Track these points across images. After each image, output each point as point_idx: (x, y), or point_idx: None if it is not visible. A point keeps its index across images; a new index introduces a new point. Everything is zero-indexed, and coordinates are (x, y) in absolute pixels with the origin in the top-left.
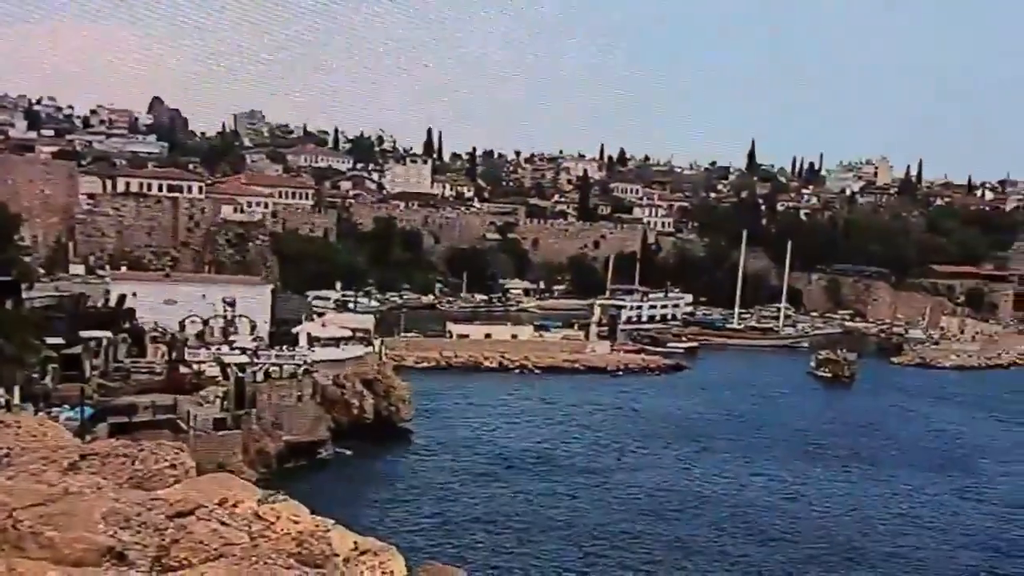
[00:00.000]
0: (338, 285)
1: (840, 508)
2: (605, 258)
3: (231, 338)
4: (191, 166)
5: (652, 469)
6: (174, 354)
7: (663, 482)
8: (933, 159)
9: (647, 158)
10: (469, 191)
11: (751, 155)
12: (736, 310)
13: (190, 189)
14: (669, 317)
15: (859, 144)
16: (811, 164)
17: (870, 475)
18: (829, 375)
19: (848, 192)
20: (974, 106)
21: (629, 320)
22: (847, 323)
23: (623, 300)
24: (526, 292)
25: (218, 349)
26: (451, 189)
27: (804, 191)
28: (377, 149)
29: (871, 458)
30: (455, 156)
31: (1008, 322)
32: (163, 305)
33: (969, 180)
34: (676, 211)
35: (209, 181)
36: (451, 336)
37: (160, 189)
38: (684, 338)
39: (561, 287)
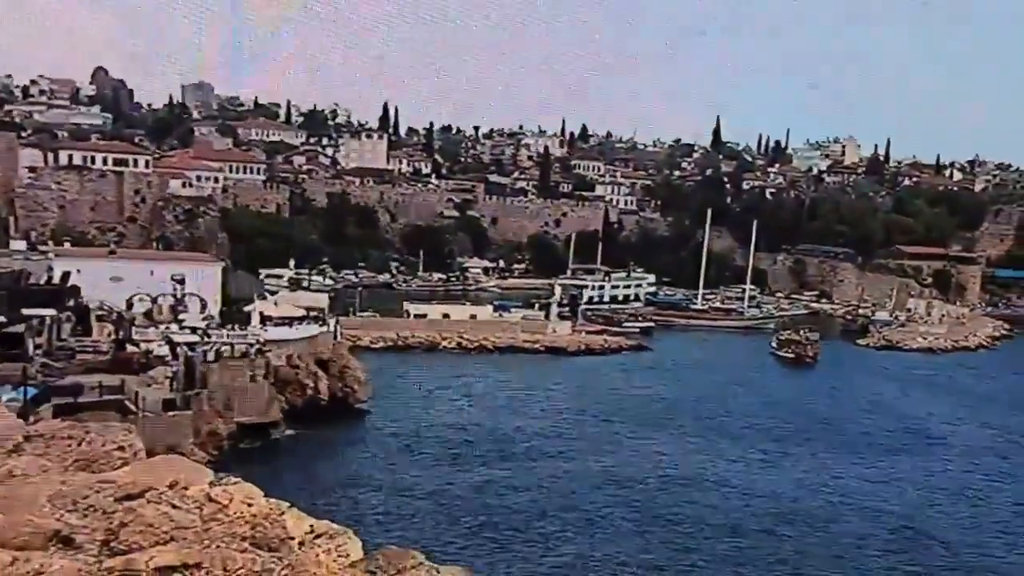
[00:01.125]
0: (291, 263)
1: (789, 490)
2: (566, 237)
3: (180, 317)
4: (137, 139)
5: (612, 451)
6: (121, 333)
7: (623, 464)
8: (901, 139)
9: (609, 135)
10: (426, 167)
11: (716, 132)
12: (700, 291)
13: (136, 163)
14: (632, 297)
15: (826, 123)
16: (777, 142)
17: (827, 457)
18: (791, 356)
19: (815, 171)
20: (943, 85)
21: (591, 300)
22: (812, 304)
23: (584, 280)
24: (485, 271)
25: (167, 328)
26: (408, 165)
27: (770, 170)
28: (331, 123)
29: (829, 440)
30: (412, 131)
31: (975, 304)
32: (109, 283)
33: (938, 160)
34: (639, 189)
35: (156, 155)
36: (408, 316)
37: (105, 162)
38: (640, 318)
39: (521, 266)
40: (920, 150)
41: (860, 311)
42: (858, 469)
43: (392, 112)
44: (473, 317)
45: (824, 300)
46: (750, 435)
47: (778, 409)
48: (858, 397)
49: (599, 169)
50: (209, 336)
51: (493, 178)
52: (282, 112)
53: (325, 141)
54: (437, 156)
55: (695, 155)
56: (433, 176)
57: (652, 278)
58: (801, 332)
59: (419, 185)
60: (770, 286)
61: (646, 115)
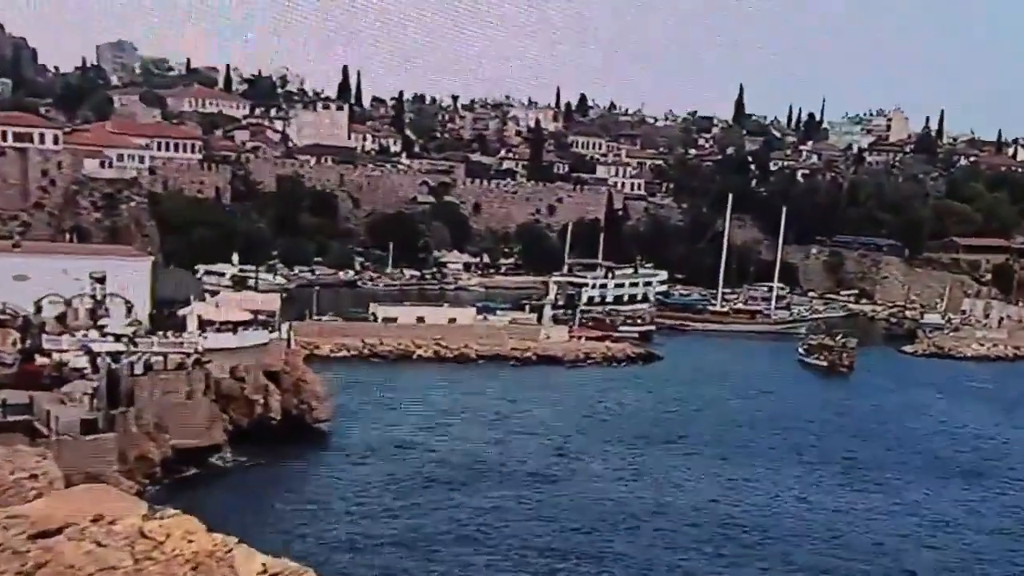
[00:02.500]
0: (235, 258)
1: (828, 521)
2: (562, 226)
3: (101, 322)
4: (43, 110)
5: (612, 478)
6: (28, 342)
7: (624, 493)
8: (956, 111)
9: (613, 106)
10: (395, 144)
11: (739, 104)
12: (719, 290)
13: (42, 138)
14: (639, 298)
15: (868, 92)
16: (811, 115)
17: (868, 484)
18: (824, 364)
19: (855, 149)
20: (1005, 48)
21: (591, 301)
22: (851, 306)
23: (584, 277)
24: (466, 267)
25: (85, 335)
26: (373, 142)
27: (802, 148)
28: (280, 91)
29: (870, 464)
30: (377, 101)
31: None
32: (12, 282)
33: (999, 136)
34: (648, 170)
35: (67, 129)
36: (375, 320)
37: (4, 138)
38: (640, 321)
39: (509, 261)
40: (979, 124)
41: (907, 313)
42: (915, 496)
43: (353, 79)
44: (452, 321)
45: (864, 300)
46: (780, 456)
47: (810, 427)
48: (905, 412)
49: (600, 147)
50: (136, 345)
51: (475, 157)
52: (220, 78)
53: (273, 113)
54: (408, 131)
55: (714, 130)
56: (403, 155)
57: (663, 275)
58: (835, 336)
59: (387, 166)
60: (801, 284)
61: (656, 83)
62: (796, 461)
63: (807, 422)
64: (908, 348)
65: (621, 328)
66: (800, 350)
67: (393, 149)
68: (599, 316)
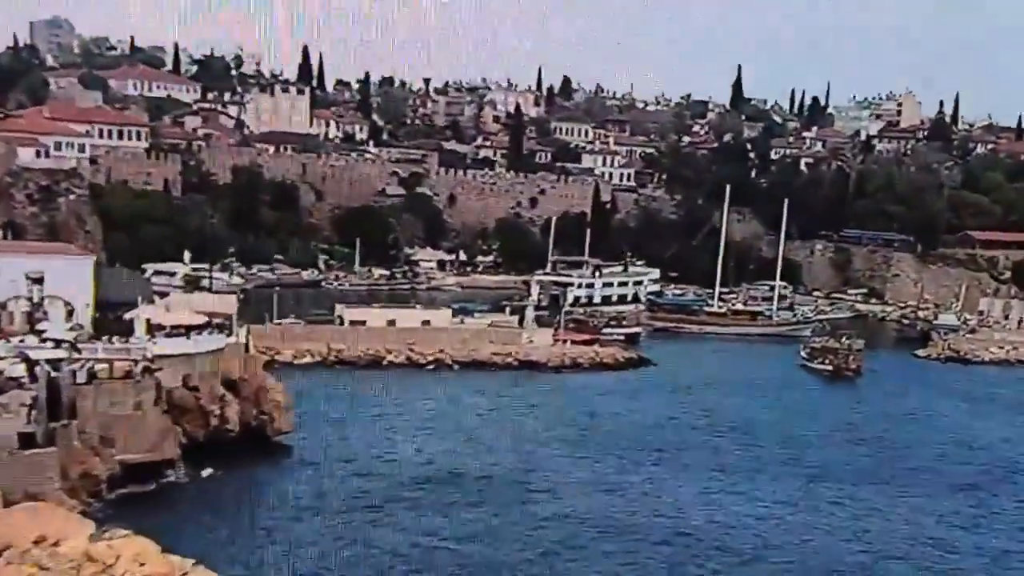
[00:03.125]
0: (186, 256)
1: (826, 544)
2: (545, 221)
3: (39, 327)
4: None
5: (600, 492)
6: None
7: (614, 509)
8: (973, 94)
9: (600, 89)
10: (362, 131)
11: (737, 87)
12: (716, 289)
13: None
14: (629, 298)
15: (877, 74)
16: (815, 99)
17: (876, 497)
18: (828, 368)
19: (863, 136)
20: None
21: (577, 301)
22: (859, 306)
23: (569, 276)
24: (441, 265)
25: (21, 341)
26: (337, 128)
27: (806, 134)
28: (234, 73)
29: (879, 475)
30: (342, 85)
31: None
32: None
33: (1019, 122)
34: (638, 159)
35: None
36: (342, 323)
37: None
38: (624, 322)
39: (487, 259)
40: (997, 109)
41: (919, 314)
42: (919, 516)
43: (315, 59)
44: (426, 324)
45: (874, 300)
46: (784, 471)
47: (813, 436)
48: (915, 421)
49: (586, 133)
50: (79, 351)
51: (449, 145)
52: (168, 58)
53: (227, 97)
54: (376, 117)
55: (710, 116)
56: (371, 143)
57: (655, 273)
58: (840, 339)
59: (353, 155)
60: (806, 283)
61: (646, 64)
62: (795, 474)
63: (810, 431)
64: (921, 352)
65: (604, 330)
66: (802, 354)
67: (359, 137)
68: (580, 317)
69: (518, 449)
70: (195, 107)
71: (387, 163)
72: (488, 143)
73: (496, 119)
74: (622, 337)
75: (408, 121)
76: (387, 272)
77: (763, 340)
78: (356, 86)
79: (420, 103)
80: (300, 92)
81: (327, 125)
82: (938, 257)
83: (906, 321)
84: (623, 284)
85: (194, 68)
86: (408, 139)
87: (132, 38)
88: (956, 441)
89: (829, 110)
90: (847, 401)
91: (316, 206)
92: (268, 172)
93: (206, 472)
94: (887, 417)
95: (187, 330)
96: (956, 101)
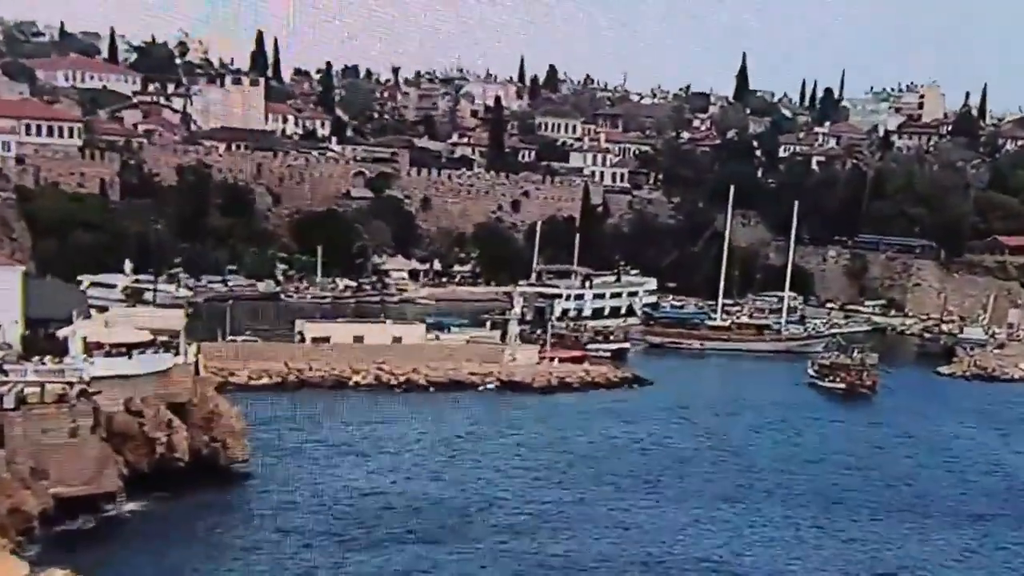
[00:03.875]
0: (127, 266)
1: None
2: (529, 225)
3: None
4: None
5: (592, 527)
6: None
7: (607, 545)
8: (1002, 85)
9: (589, 80)
10: (323, 127)
11: (741, 77)
12: (719, 300)
13: None
14: (623, 311)
15: (897, 63)
16: (827, 91)
17: (893, 531)
18: (840, 386)
19: (881, 131)
20: None
21: (565, 315)
22: (877, 318)
23: (556, 287)
24: (413, 275)
25: None
26: (296, 124)
27: (818, 130)
28: (179, 62)
29: (895, 505)
30: (300, 75)
31: None
32: None
33: None
34: (632, 158)
35: None
36: (303, 340)
37: None
38: (611, 336)
39: (465, 268)
40: None
41: (943, 327)
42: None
43: (270, 46)
44: (397, 341)
45: (893, 312)
46: (794, 500)
47: (829, 463)
48: (940, 445)
49: (575, 129)
50: (6, 373)
51: (422, 143)
52: (104, 45)
53: (171, 89)
54: (339, 111)
55: (712, 109)
56: (334, 140)
57: (652, 283)
58: (853, 354)
59: (314, 153)
60: (818, 293)
61: (641, 53)
62: (804, 505)
63: (819, 456)
64: (945, 369)
65: (589, 346)
66: (810, 371)
67: (321, 133)
68: (563, 332)
69: (499, 479)
70: (135, 100)
71: (352, 162)
72: (465, 140)
73: (474, 113)
74: (608, 354)
75: (375, 115)
76: (353, 283)
77: (771, 357)
78: (316, 76)
79: (388, 95)
80: (254, 83)
81: (284, 120)
82: (963, 265)
83: (928, 335)
84: (616, 296)
85: (133, 56)
86: (376, 136)
87: (62, 23)
88: (983, 468)
89: (843, 103)
90: (861, 423)
91: (273, 210)
92: (218, 173)
93: (150, 508)
94: (906, 441)
95: (129, 349)
96: (983, 93)
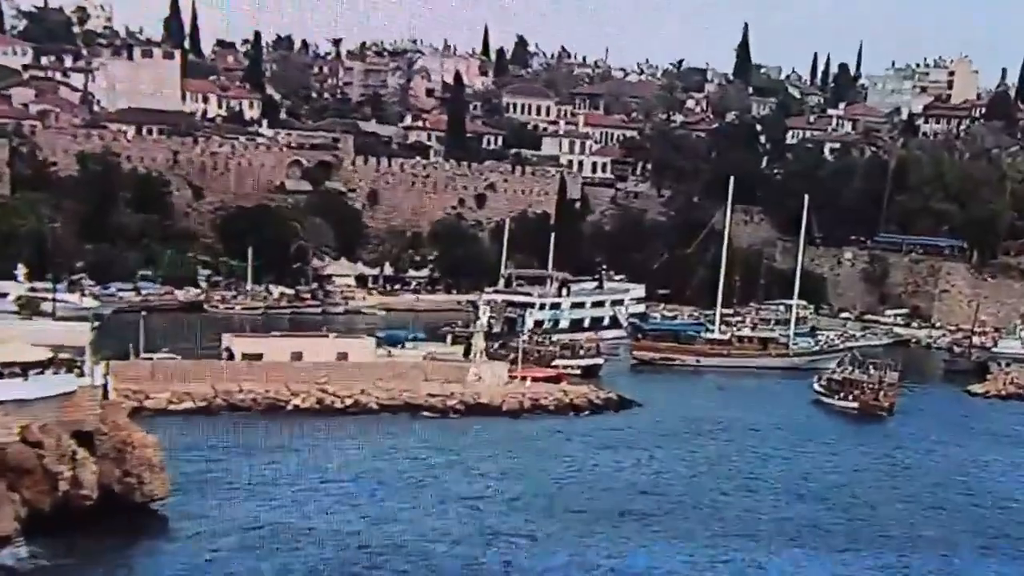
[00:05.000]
0: (19, 271)
1: None
2: (496, 223)
3: None
4: None
5: (571, 573)
6: None
7: None
8: None
9: (564, 53)
10: (252, 108)
11: (743, 50)
12: (718, 310)
13: None
14: (606, 322)
15: (922, 35)
16: (842, 67)
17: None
18: (853, 406)
19: (904, 114)
20: None
21: (540, 326)
22: (899, 329)
23: (528, 294)
24: (360, 282)
25: None
26: (220, 104)
27: (831, 112)
28: (78, 31)
29: (937, 543)
30: (224, 47)
31: None
32: None
33: None
34: (616, 145)
35: None
36: (231, 357)
37: None
38: (581, 351)
39: (421, 274)
40: None
41: (975, 339)
42: None
43: (187, 13)
44: (343, 358)
45: (918, 323)
46: (806, 539)
47: (843, 496)
48: (970, 476)
49: (548, 111)
50: None
51: (368, 126)
52: None
53: (69, 62)
54: (270, 89)
55: (709, 88)
56: (264, 123)
57: (639, 290)
58: (868, 368)
59: (241, 139)
60: (831, 302)
61: (625, 21)
62: (814, 545)
63: (831, 487)
64: (977, 387)
65: (555, 362)
66: (816, 387)
67: (249, 115)
68: (525, 346)
69: (462, 518)
70: (26, 76)
71: (287, 150)
72: (420, 123)
73: (430, 92)
74: (578, 370)
75: (313, 95)
76: (290, 291)
77: (777, 374)
78: (243, 48)
79: (328, 71)
80: (168, 56)
81: (205, 100)
82: (998, 268)
83: (958, 349)
84: (598, 305)
85: (23, 24)
86: (314, 118)
87: None
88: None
89: (861, 81)
90: (878, 448)
91: (193, 206)
92: (128, 161)
93: (52, 554)
94: (929, 469)
95: (23, 369)
96: (1023, 70)
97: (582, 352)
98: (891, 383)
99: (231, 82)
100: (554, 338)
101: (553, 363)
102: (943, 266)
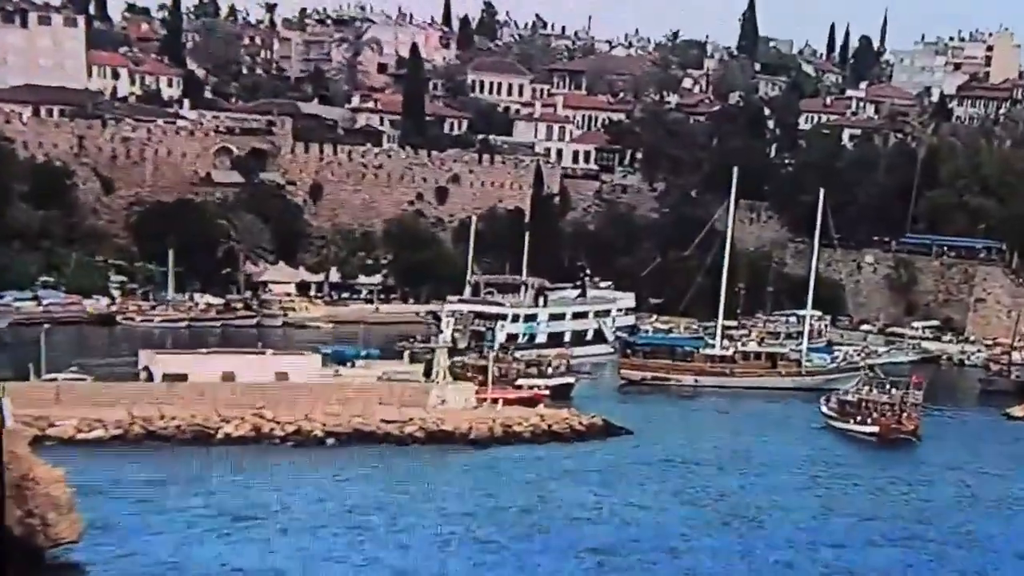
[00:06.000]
0: None
1: None
2: (461, 221)
3: None
4: None
5: None
6: None
7: None
8: None
9: (540, 23)
10: (172, 85)
11: (749, 20)
12: (719, 321)
13: None
14: (589, 336)
15: (956, 5)
16: (864, 41)
17: None
18: (871, 430)
19: (936, 95)
20: None
21: (513, 340)
22: (928, 344)
23: (500, 304)
24: (302, 290)
25: None
26: (133, 81)
27: (851, 93)
28: None
29: None
30: (136, 12)
31: None
32: None
33: None
34: (600, 131)
35: None
36: (151, 378)
37: None
38: (550, 368)
39: (373, 280)
40: None
41: (1015, 355)
42: None
43: None
44: (282, 378)
45: (950, 336)
46: None
47: (861, 536)
48: (1008, 513)
49: (521, 91)
50: None
51: (310, 108)
52: None
53: None
54: (193, 63)
55: (709, 65)
56: (186, 103)
57: (629, 299)
58: (888, 387)
59: (159, 121)
60: (851, 312)
61: None
62: None
63: (847, 526)
64: (1017, 410)
65: (519, 381)
66: (825, 408)
67: (168, 94)
68: (482, 363)
69: (425, 565)
70: None
71: (213, 135)
72: (370, 104)
73: (382, 68)
74: (547, 390)
75: (244, 70)
76: (219, 301)
77: (788, 396)
78: (159, 15)
79: (262, 43)
80: (70, 23)
81: (115, 75)
82: None
83: (995, 367)
84: (580, 316)
85: None
86: (245, 98)
87: None
88: None
89: (886, 57)
90: (902, 479)
91: (103, 201)
92: (23, 148)
93: None
94: (958, 503)
95: None
96: None
97: (551, 370)
98: (915, 403)
99: (146, 55)
100: (517, 354)
101: (516, 383)
102: (979, 271)
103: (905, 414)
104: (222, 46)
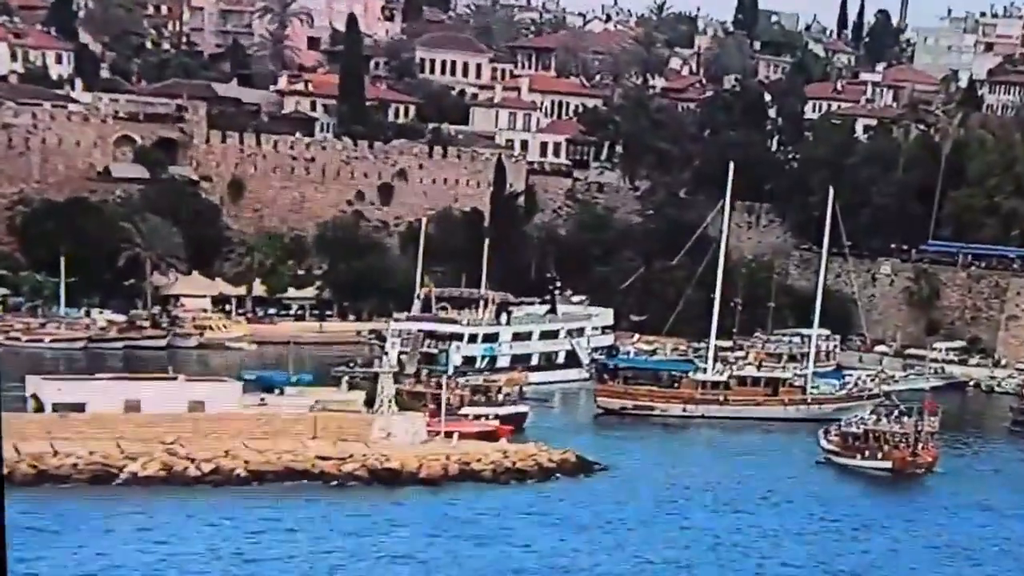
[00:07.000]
0: None
1: None
2: (409, 224)
3: None
4: None
5: None
6: None
7: None
8: None
9: None
10: (62, 63)
11: None
12: (711, 342)
13: None
14: (560, 357)
15: None
16: (881, 16)
17: None
18: (884, 466)
19: (964, 80)
20: None
21: (469, 363)
22: (952, 367)
23: (455, 321)
24: (219, 305)
25: None
26: (14, 57)
27: (865, 76)
28: None
29: None
30: None
31: None
32: None
33: None
34: (572, 119)
35: None
36: (40, 408)
37: None
38: (502, 395)
39: (305, 294)
40: None
41: None
42: None
43: None
44: (198, 408)
45: (978, 359)
46: None
47: None
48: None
49: (479, 71)
50: None
51: (228, 90)
52: None
53: None
54: (87, 36)
55: (700, 43)
56: (79, 84)
57: (607, 316)
58: (893, 415)
59: (46, 105)
60: (865, 331)
61: None
62: None
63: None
64: None
65: (463, 410)
66: (824, 442)
67: (57, 72)
68: (421, 389)
69: None
70: None
71: (112, 121)
72: (300, 86)
73: (313, 43)
74: (496, 420)
75: (149, 44)
76: (121, 318)
77: (792, 427)
78: None
79: (169, 12)
80: None
81: None
82: None
83: None
84: (549, 335)
85: None
86: (150, 78)
87: None
88: None
89: (907, 35)
90: (920, 520)
91: None
92: None
93: None
94: (984, 552)
95: None
96: None
97: (501, 397)
98: (931, 431)
99: (29, 26)
100: (461, 379)
101: (459, 411)
102: (1011, 284)
103: (921, 445)
104: (121, 16)
